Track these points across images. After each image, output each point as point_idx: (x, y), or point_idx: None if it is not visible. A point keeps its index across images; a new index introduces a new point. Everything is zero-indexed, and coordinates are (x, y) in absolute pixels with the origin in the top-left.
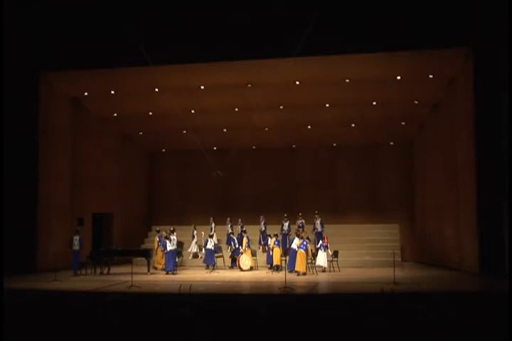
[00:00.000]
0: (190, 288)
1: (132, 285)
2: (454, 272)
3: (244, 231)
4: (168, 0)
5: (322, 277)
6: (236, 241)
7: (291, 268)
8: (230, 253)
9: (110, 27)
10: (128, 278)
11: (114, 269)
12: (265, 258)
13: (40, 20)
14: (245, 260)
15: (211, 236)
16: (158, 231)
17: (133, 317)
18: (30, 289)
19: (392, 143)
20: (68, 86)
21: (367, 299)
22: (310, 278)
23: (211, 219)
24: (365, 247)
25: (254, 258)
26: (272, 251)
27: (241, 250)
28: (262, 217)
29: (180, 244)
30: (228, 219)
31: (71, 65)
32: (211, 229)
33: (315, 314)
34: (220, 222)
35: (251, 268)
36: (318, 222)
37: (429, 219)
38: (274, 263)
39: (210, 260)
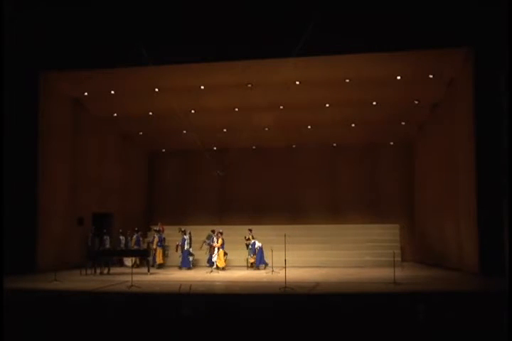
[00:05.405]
0: (190, 288)
1: (132, 285)
2: (454, 272)
3: (154, 231)
4: (168, 0)
5: (322, 277)
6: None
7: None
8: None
9: (110, 27)
10: (128, 278)
11: (114, 269)
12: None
13: (40, 21)
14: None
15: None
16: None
17: (133, 317)
18: (30, 289)
19: (392, 143)
20: (68, 86)
21: (367, 299)
22: (310, 278)
23: (120, 230)
24: (365, 247)
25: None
26: (155, 251)
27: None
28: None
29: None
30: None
31: (71, 65)
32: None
33: (315, 314)
34: (220, 222)
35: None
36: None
37: (429, 219)
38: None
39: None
